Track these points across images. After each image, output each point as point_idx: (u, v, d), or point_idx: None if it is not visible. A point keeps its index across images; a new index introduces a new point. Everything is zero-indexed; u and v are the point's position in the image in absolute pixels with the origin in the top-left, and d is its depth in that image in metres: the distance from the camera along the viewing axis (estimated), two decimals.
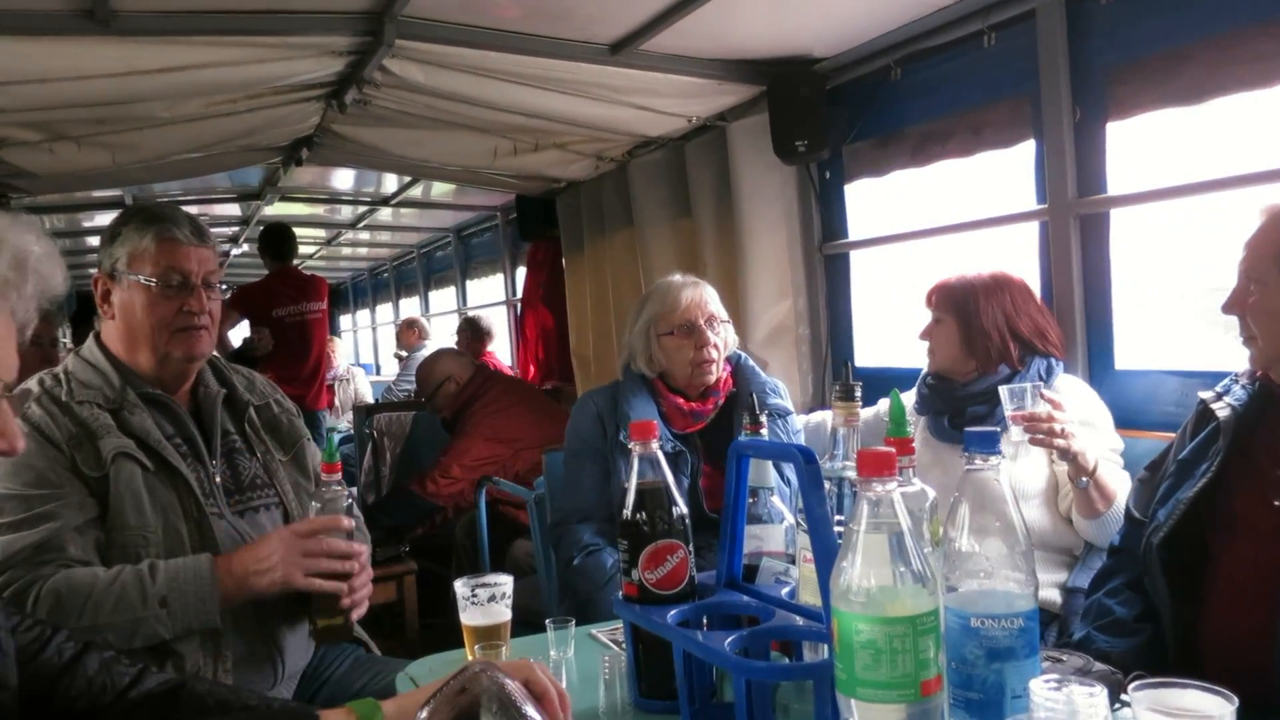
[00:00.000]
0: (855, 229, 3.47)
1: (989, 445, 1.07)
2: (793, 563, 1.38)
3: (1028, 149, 2.74)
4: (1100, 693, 0.98)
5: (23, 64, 2.66)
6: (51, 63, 2.68)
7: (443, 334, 8.85)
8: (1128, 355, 2.57)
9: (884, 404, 2.55)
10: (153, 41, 2.65)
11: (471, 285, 7.96)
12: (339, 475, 1.73)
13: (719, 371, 2.44)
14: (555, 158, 4.15)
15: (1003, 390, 2.05)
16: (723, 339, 2.45)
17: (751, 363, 2.53)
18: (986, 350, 2.32)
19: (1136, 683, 1.02)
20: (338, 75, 3.19)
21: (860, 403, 1.33)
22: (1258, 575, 1.58)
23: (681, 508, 1.35)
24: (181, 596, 1.60)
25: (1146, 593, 1.77)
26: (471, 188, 5.39)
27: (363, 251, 9.61)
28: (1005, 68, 2.74)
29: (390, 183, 5.84)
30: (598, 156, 4.21)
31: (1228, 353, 2.25)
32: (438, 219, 7.39)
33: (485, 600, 1.59)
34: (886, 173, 3.26)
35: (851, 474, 1.31)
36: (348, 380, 7.95)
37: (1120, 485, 2.10)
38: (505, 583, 1.61)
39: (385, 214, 6.82)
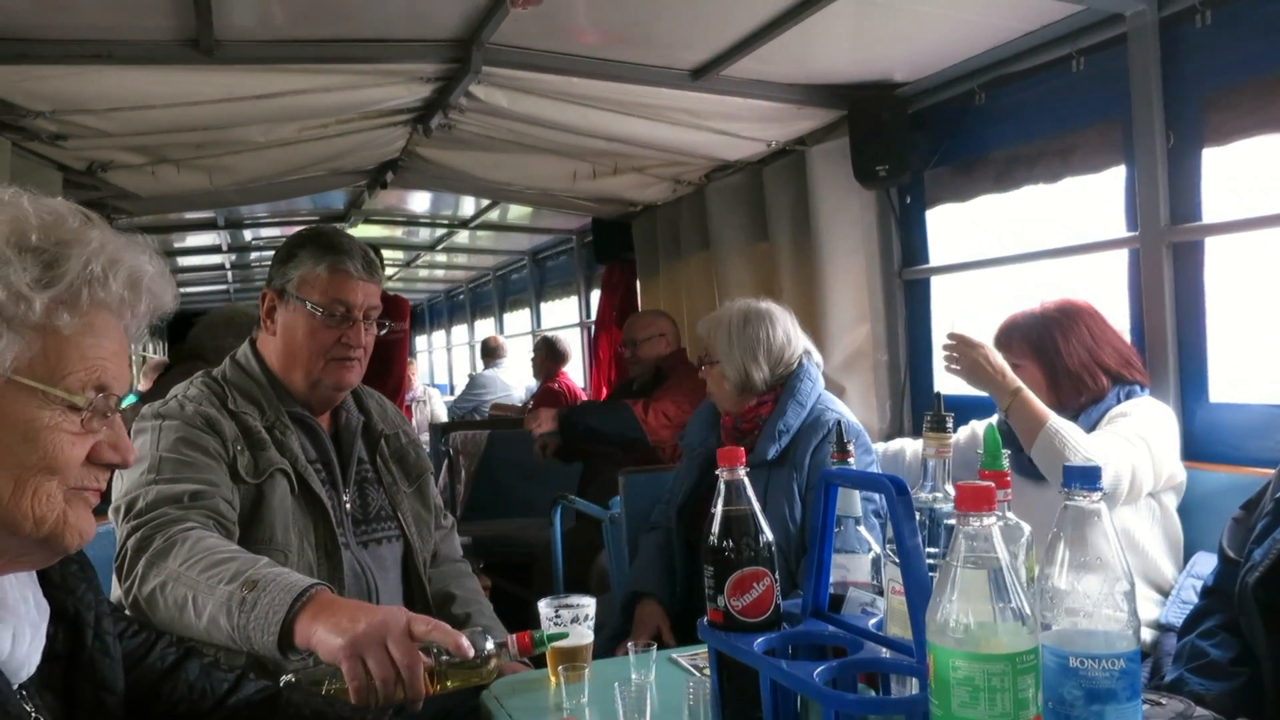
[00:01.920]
0: (937, 255, 3.43)
1: (1091, 481, 1.05)
2: (879, 594, 1.36)
3: (1117, 175, 2.68)
4: None
5: (131, 91, 2.79)
6: (157, 90, 2.81)
7: (518, 355, 8.97)
8: (1223, 387, 2.49)
9: (963, 432, 2.51)
10: (252, 69, 2.77)
11: (545, 307, 8.05)
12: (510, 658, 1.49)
13: (722, 406, 2.59)
14: (633, 181, 4.19)
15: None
16: (717, 375, 2.53)
17: (798, 401, 2.45)
18: (1077, 391, 2.27)
19: None
20: (424, 100, 3.27)
21: (952, 434, 1.31)
22: None
23: (768, 535, 1.34)
24: (271, 589, 1.41)
25: (1243, 635, 1.71)
26: (548, 210, 5.46)
27: (439, 274, 9.80)
28: (1094, 92, 2.69)
29: (468, 206, 5.96)
30: (675, 180, 4.24)
31: None
32: (513, 242, 7.50)
33: (568, 621, 1.60)
34: (970, 198, 3.22)
35: (943, 506, 1.29)
36: (424, 401, 8.09)
37: (1105, 437, 2.13)
38: (588, 604, 1.62)
39: (462, 237, 6.95)
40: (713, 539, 1.33)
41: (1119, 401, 2.25)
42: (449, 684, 1.40)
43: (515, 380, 7.82)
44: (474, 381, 7.83)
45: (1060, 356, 2.28)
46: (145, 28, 2.59)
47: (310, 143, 3.41)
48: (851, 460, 1.45)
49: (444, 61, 2.93)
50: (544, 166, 4.00)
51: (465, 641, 1.39)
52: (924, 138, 3.24)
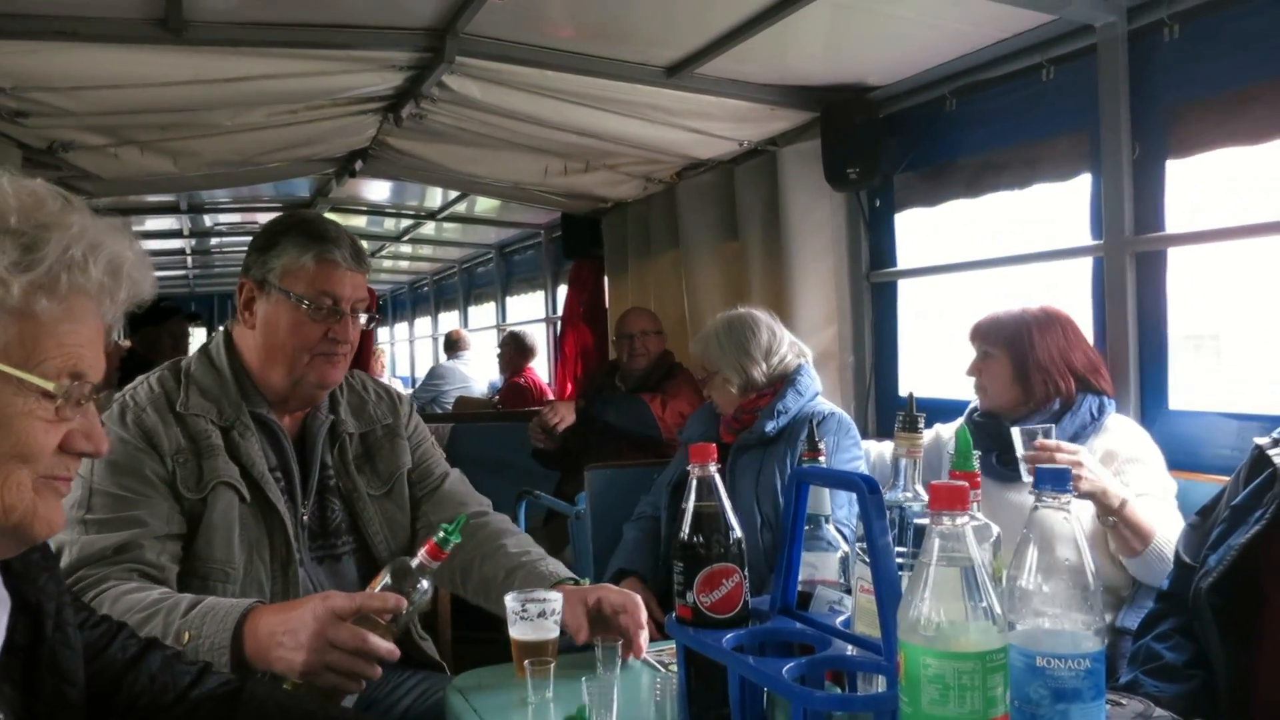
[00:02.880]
0: (904, 258, 3.46)
1: (1060, 483, 1.06)
2: (848, 592, 1.37)
3: (1083, 183, 2.72)
4: None
5: (96, 70, 2.73)
6: (123, 70, 2.75)
7: (481, 349, 8.93)
8: (1182, 396, 2.53)
9: (927, 435, 2.54)
10: (222, 52, 2.72)
11: (511, 302, 8.02)
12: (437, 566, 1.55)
13: (730, 411, 2.73)
14: (604, 178, 4.18)
15: (1015, 432, 2.03)
16: (720, 383, 2.72)
17: (797, 391, 2.63)
18: (1044, 385, 2.29)
19: None
20: (396, 89, 3.24)
21: (923, 434, 1.32)
22: None
23: (737, 531, 1.34)
24: (202, 639, 1.42)
25: (1196, 639, 1.74)
26: (517, 204, 5.44)
27: (403, 265, 9.72)
28: (1063, 101, 2.73)
29: (435, 197, 5.91)
30: (646, 178, 4.24)
31: None
32: (481, 235, 7.46)
33: (535, 616, 1.59)
34: (938, 203, 3.25)
35: (913, 505, 1.30)
36: None
37: (1161, 522, 2.06)
38: (555, 599, 1.61)
39: (429, 228, 6.89)
40: (683, 535, 1.33)
41: (1093, 418, 2.25)
42: (399, 624, 1.49)
43: (476, 373, 7.80)
44: (433, 372, 7.80)
45: (1033, 350, 2.30)
46: (112, 5, 2.53)
47: (278, 129, 3.37)
48: (822, 459, 1.46)
49: (418, 50, 2.90)
50: (516, 162, 3.98)
51: (393, 598, 1.46)
52: (895, 142, 3.26)
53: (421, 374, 10.55)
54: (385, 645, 1.41)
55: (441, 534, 1.52)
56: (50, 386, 0.92)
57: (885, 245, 3.48)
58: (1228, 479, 1.86)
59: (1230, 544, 1.71)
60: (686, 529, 1.33)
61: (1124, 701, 1.22)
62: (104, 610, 1.43)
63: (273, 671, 1.40)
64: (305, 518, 1.78)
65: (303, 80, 2.97)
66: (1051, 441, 2.02)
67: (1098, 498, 2.03)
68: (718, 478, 1.35)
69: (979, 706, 0.93)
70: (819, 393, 2.72)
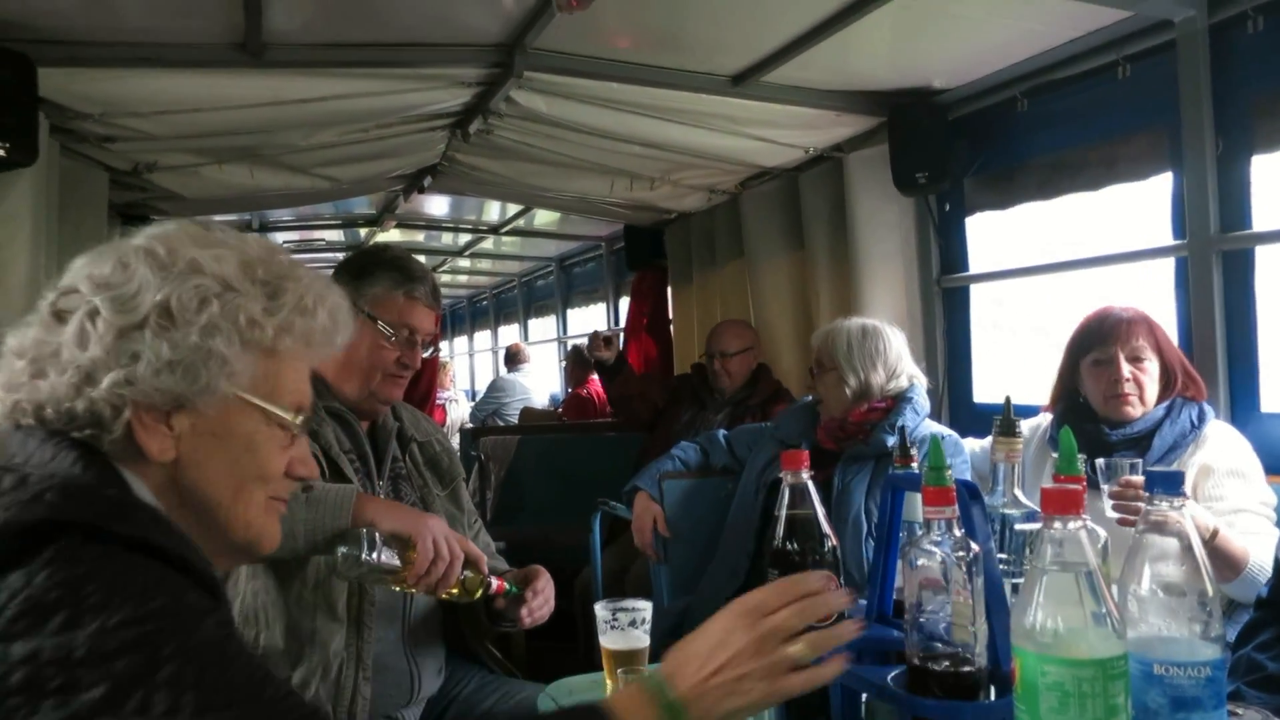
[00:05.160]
0: (976, 262, 3.41)
1: (1173, 486, 1.03)
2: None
3: (1159, 183, 2.66)
4: None
5: (179, 94, 2.82)
6: (204, 93, 2.84)
7: (542, 361, 9.00)
8: (1274, 398, 2.46)
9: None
10: (297, 73, 2.79)
11: (572, 314, 8.07)
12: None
13: (829, 411, 2.73)
14: (669, 191, 4.19)
15: (1099, 463, 1.96)
16: (834, 380, 2.69)
17: (915, 409, 2.61)
18: (1169, 387, 2.23)
19: None
20: (464, 105, 3.29)
21: (1022, 438, 1.30)
22: None
23: (832, 539, 1.34)
24: (323, 491, 1.63)
25: None
26: (578, 216, 5.48)
27: (463, 279, 9.84)
28: (1140, 98, 2.67)
29: (494, 212, 5.97)
30: (710, 189, 4.24)
31: None
32: (540, 248, 7.52)
33: (625, 625, 1.59)
34: (1010, 205, 3.20)
35: (1013, 511, 1.29)
36: (457, 401, 8.15)
37: (1254, 545, 1.98)
38: (644, 608, 1.61)
39: (488, 243, 6.97)
40: (777, 542, 1.33)
41: (1193, 426, 2.18)
42: (454, 592, 1.69)
43: (536, 385, 7.87)
44: (494, 385, 7.89)
45: (1164, 351, 2.25)
46: (194, 30, 2.61)
47: (351, 145, 3.43)
48: (914, 465, 1.44)
49: (487, 66, 2.94)
50: (582, 180, 4.01)
51: (484, 560, 1.73)
52: (964, 145, 3.22)
53: (481, 387, 10.68)
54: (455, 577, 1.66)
55: (510, 585, 1.79)
56: (289, 418, 1.05)
57: (956, 249, 3.44)
58: None
59: None
60: (780, 536, 1.32)
61: (1240, 711, 1.19)
62: None
63: (378, 524, 1.60)
64: (381, 496, 1.91)
65: (374, 99, 3.03)
66: (1138, 478, 1.92)
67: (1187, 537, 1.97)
68: (811, 485, 1.35)
69: (1100, 714, 0.91)
70: (929, 414, 2.71)
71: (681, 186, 4.16)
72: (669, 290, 5.32)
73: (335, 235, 6.72)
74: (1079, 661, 0.91)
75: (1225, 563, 1.99)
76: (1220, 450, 2.14)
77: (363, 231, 6.41)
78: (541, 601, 1.83)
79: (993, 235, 3.36)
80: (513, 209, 5.77)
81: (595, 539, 3.43)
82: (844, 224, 3.56)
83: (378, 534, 1.58)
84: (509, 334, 9.85)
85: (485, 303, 10.64)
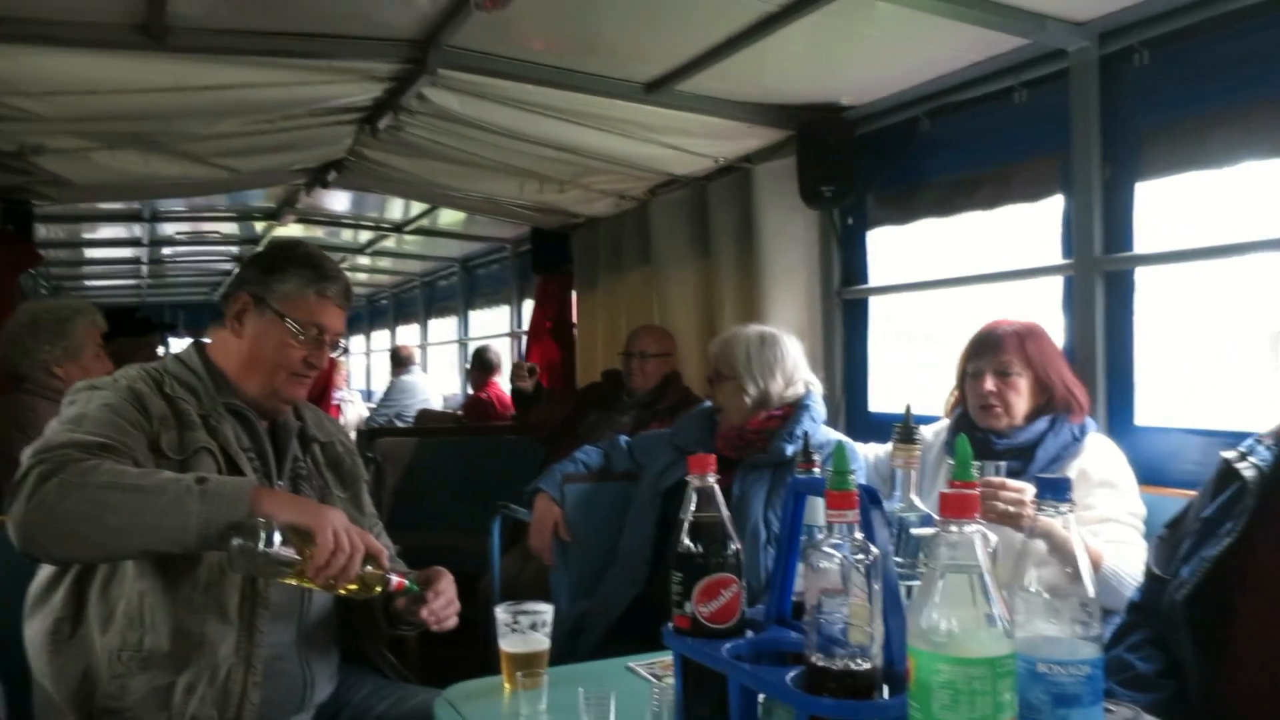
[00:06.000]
0: (875, 276, 3.51)
1: (1060, 493, 1.08)
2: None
3: (1054, 205, 2.78)
4: None
5: (73, 75, 2.70)
6: (101, 75, 2.72)
7: (441, 363, 8.89)
8: (1148, 412, 2.60)
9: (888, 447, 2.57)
10: (202, 59, 2.70)
11: (474, 316, 7.99)
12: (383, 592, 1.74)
13: (729, 420, 2.73)
14: (578, 195, 4.19)
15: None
16: (733, 389, 2.70)
17: (812, 417, 2.65)
18: (1051, 402, 2.31)
19: None
20: (374, 100, 3.23)
21: (919, 446, 1.34)
22: None
23: (736, 542, 1.36)
24: (218, 484, 1.58)
25: (1167, 649, 1.78)
26: (484, 218, 5.43)
27: (362, 277, 9.65)
28: (1035, 124, 2.79)
29: (396, 209, 5.88)
30: (619, 195, 4.25)
31: (1246, 413, 2.30)
32: (444, 248, 7.43)
33: (526, 628, 1.59)
34: (910, 221, 3.30)
35: (910, 515, 1.33)
36: (350, 402, 8.00)
37: (1118, 554, 2.08)
38: (546, 611, 1.62)
39: (390, 241, 6.86)
40: (682, 545, 1.34)
41: (1074, 439, 2.27)
42: (353, 587, 1.65)
43: (433, 388, 7.80)
44: (395, 387, 7.75)
45: (1043, 365, 2.32)
46: (92, 10, 2.50)
47: (254, 137, 3.33)
48: (816, 470, 1.48)
49: (400, 61, 2.90)
50: (492, 180, 3.98)
51: (386, 555, 1.70)
52: (869, 161, 3.31)
53: (377, 387, 10.48)
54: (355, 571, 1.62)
55: (410, 581, 1.77)
56: None
57: (857, 262, 3.53)
58: (1193, 493, 1.91)
59: (1202, 556, 1.75)
60: (686, 539, 1.34)
61: (1113, 709, 1.25)
62: (100, 471, 1.54)
63: (276, 516, 1.55)
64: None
65: (281, 90, 2.95)
66: (996, 480, 2.00)
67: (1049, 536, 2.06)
68: (717, 489, 1.37)
69: (989, 711, 0.95)
70: (826, 421, 2.75)
71: (591, 191, 4.17)
72: (574, 295, 5.31)
73: (230, 228, 6.52)
74: (970, 660, 0.95)
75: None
76: (1096, 461, 2.23)
77: (259, 225, 6.24)
78: (444, 603, 1.81)
79: (892, 249, 3.46)
80: (417, 207, 5.69)
81: (494, 543, 3.40)
82: (750, 234, 3.61)
83: (275, 526, 1.54)
84: (408, 334, 9.70)
85: (385, 302, 10.47)
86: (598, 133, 3.38)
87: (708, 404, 2.93)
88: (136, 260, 7.87)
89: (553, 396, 4.12)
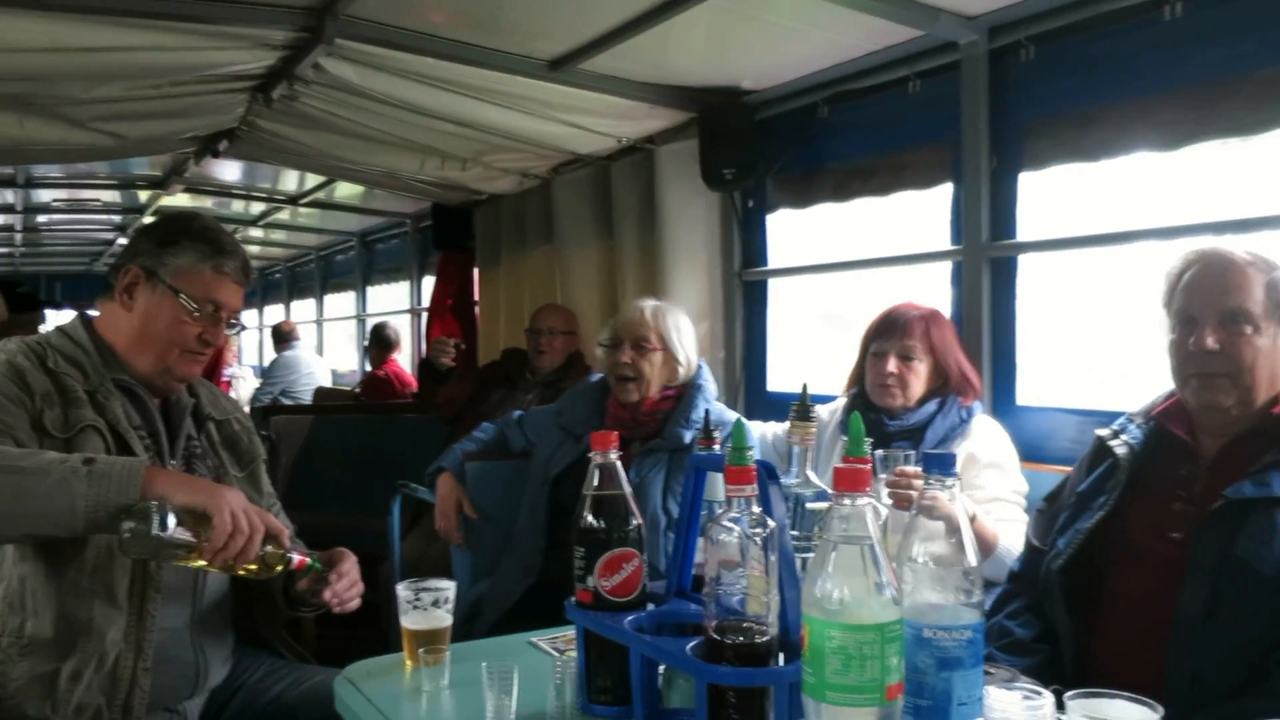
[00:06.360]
0: (775, 258, 3.57)
1: (946, 467, 1.14)
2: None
3: (946, 191, 2.89)
4: (1049, 698, 1.06)
5: None
6: None
7: (339, 339, 8.70)
8: (1029, 392, 2.72)
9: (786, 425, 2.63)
10: (82, 19, 2.56)
11: (373, 292, 7.85)
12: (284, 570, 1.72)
13: (643, 392, 2.65)
14: (481, 173, 4.15)
15: (877, 454, 2.11)
16: (661, 360, 2.65)
17: (705, 398, 2.64)
18: (943, 386, 2.40)
19: (1071, 692, 1.10)
20: (268, 69, 3.13)
21: (815, 424, 1.39)
22: (1151, 601, 1.70)
23: (638, 517, 1.38)
24: (107, 464, 1.53)
25: (1043, 616, 1.88)
26: (384, 192, 5.33)
27: (255, 250, 9.35)
28: (928, 113, 2.88)
29: (291, 181, 5.72)
30: (522, 173, 4.23)
31: (1119, 393, 2.43)
32: (341, 222, 7.26)
33: (429, 605, 1.59)
34: (809, 205, 3.37)
35: (805, 491, 1.37)
36: (243, 379, 7.77)
37: (1004, 531, 2.18)
38: (448, 588, 1.61)
39: (284, 213, 6.68)
40: (585, 520, 1.36)
41: (962, 420, 2.36)
42: (253, 568, 1.63)
43: (319, 364, 7.65)
44: (276, 364, 7.55)
45: (942, 350, 2.41)
46: None
47: (139, 102, 3.20)
48: (716, 447, 1.51)
49: (295, 29, 2.81)
50: (391, 155, 3.91)
51: (286, 534, 1.67)
52: (769, 145, 3.36)
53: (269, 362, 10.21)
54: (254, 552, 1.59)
55: (312, 560, 1.74)
56: None
57: (757, 245, 3.60)
58: (1069, 469, 2.02)
59: (1077, 528, 1.86)
60: (589, 515, 1.36)
61: (992, 670, 1.32)
62: None
63: (171, 498, 1.51)
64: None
65: (169, 54, 2.83)
66: (911, 469, 2.11)
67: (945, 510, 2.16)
68: (619, 465, 1.39)
69: (878, 675, 1.00)
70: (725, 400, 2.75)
71: (494, 169, 4.13)
72: (476, 272, 5.26)
73: (112, 196, 6.23)
74: (861, 627, 1.00)
75: (980, 545, 2.19)
76: (983, 443, 2.34)
77: (144, 194, 5.98)
78: (347, 584, 1.79)
79: (800, 231, 3.53)
80: (313, 179, 5.54)
81: (394, 523, 3.36)
82: (653, 215, 3.64)
83: (169, 508, 1.50)
84: (304, 309, 9.46)
85: (278, 276, 10.17)
86: (500, 110, 3.35)
87: (595, 378, 2.89)
88: (9, 228, 7.47)
89: (461, 375, 4.06)
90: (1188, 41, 2.28)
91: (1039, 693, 1.08)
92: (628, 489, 1.39)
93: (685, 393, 2.66)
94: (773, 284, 3.60)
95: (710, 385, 2.70)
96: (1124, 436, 1.88)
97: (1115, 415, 1.94)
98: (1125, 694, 1.09)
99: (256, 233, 7.79)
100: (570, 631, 1.65)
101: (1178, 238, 2.28)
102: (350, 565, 1.82)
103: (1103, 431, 1.93)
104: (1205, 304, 1.73)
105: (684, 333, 2.71)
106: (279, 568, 1.67)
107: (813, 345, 3.71)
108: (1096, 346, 2.78)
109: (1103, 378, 2.81)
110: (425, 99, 3.25)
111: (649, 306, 2.73)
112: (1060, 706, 1.10)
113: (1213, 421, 1.76)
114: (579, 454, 2.62)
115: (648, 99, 3.35)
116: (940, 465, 1.14)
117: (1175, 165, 2.35)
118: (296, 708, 1.85)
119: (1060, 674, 1.76)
